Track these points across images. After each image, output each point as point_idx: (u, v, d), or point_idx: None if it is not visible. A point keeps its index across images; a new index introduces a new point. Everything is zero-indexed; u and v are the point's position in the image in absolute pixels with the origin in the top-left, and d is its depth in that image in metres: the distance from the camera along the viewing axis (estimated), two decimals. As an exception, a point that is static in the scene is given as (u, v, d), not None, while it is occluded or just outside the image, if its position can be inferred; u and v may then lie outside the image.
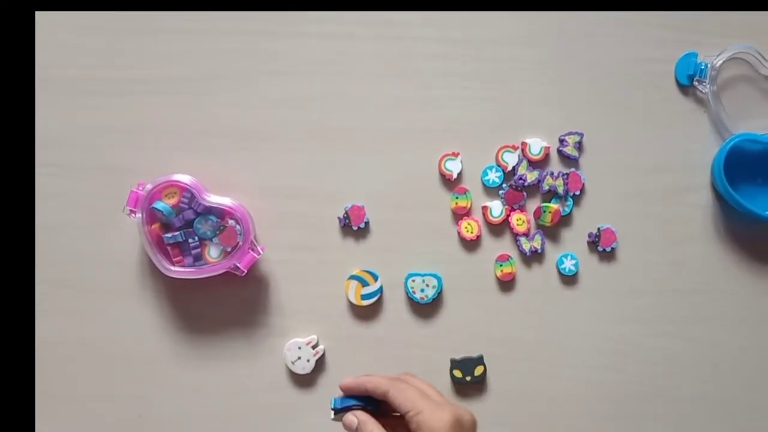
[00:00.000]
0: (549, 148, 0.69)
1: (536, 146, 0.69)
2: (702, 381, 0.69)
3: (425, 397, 0.57)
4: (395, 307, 0.69)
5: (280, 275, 0.68)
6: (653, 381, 0.69)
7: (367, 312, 0.69)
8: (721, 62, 0.69)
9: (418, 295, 0.68)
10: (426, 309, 0.69)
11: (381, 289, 0.68)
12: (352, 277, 0.68)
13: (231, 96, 0.69)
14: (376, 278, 0.68)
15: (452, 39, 0.70)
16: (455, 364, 0.68)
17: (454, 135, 0.69)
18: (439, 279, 0.68)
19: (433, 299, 0.68)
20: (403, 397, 0.56)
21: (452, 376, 0.68)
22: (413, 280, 0.68)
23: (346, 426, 0.58)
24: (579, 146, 0.69)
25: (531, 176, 0.69)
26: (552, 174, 0.69)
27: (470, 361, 0.68)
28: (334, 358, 0.68)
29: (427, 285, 0.68)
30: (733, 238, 0.69)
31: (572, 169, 0.69)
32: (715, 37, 0.70)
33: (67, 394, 0.68)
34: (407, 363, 0.68)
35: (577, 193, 0.69)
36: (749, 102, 0.70)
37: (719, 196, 0.69)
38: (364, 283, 0.68)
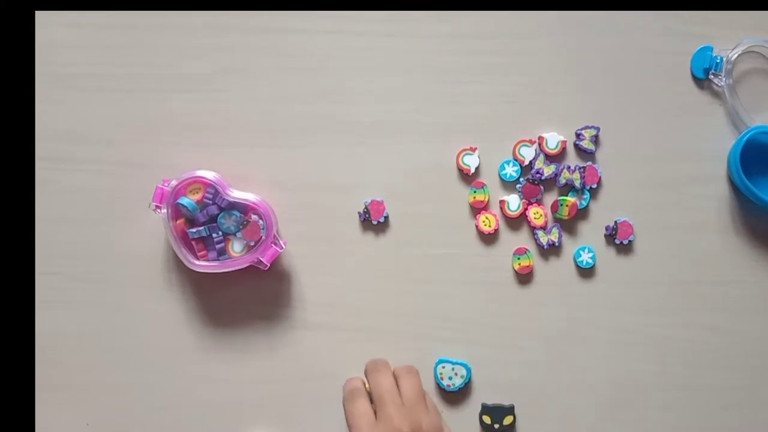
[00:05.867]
0: (566, 142, 0.70)
1: (553, 140, 0.69)
2: (720, 371, 0.69)
3: (385, 401, 0.61)
4: (415, 300, 0.70)
5: (302, 269, 0.69)
6: (671, 371, 0.69)
7: (387, 304, 0.70)
8: (736, 56, 0.69)
9: (445, 383, 0.69)
10: (444, 303, 0.70)
11: None
12: None
13: (250, 92, 0.70)
14: None
15: (468, 34, 0.70)
16: (486, 409, 0.69)
17: (472, 130, 0.70)
18: (468, 369, 0.69)
19: (460, 388, 0.69)
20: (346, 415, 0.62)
21: (481, 421, 0.69)
22: (443, 367, 0.69)
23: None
24: (595, 140, 0.70)
25: (548, 170, 0.69)
26: (569, 168, 0.70)
27: (500, 410, 0.69)
28: (356, 349, 0.69)
29: (456, 374, 0.68)
30: (750, 229, 0.70)
31: (589, 163, 0.70)
32: (730, 30, 0.70)
33: (93, 384, 0.69)
34: (425, 353, 0.69)
35: (594, 186, 0.69)
36: (765, 95, 0.71)
37: (735, 188, 0.70)
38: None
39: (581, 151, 0.70)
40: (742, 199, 0.70)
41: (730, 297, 0.70)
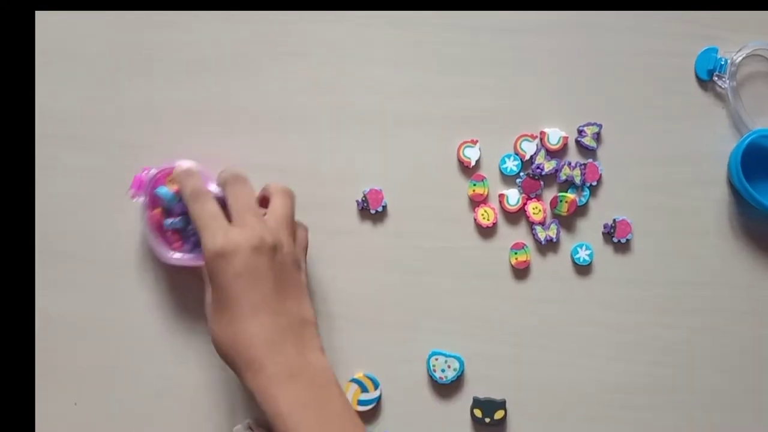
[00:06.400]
0: (567, 138, 0.70)
1: (555, 136, 0.69)
2: (715, 372, 0.69)
3: (244, 212, 0.57)
4: (410, 291, 0.70)
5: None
6: (666, 371, 0.69)
7: (382, 295, 0.70)
8: (740, 58, 0.69)
9: (438, 375, 0.68)
10: (440, 295, 0.70)
11: (379, 397, 0.68)
12: (353, 380, 0.68)
13: (252, 80, 0.70)
14: (376, 386, 0.68)
15: (473, 27, 0.70)
16: (477, 403, 0.68)
17: (474, 122, 0.70)
18: (461, 362, 0.68)
19: (452, 381, 0.68)
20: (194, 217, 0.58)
21: (472, 414, 0.68)
22: (436, 359, 0.68)
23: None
24: (597, 137, 0.70)
25: (548, 165, 0.69)
26: (569, 164, 0.69)
27: (492, 404, 0.68)
28: (349, 339, 0.69)
29: (449, 366, 0.68)
30: (748, 232, 0.70)
31: (590, 160, 0.70)
32: (736, 33, 0.70)
33: (94, 365, 0.68)
34: (418, 344, 0.69)
35: (594, 183, 0.69)
36: (768, 98, 0.71)
37: (735, 191, 0.70)
38: (364, 389, 0.68)
39: (582, 148, 0.70)
40: (741, 202, 0.70)
41: (726, 299, 0.70)
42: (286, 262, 0.58)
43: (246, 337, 0.55)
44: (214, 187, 0.63)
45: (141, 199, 0.64)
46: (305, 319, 0.58)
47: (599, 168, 0.69)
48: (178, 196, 0.64)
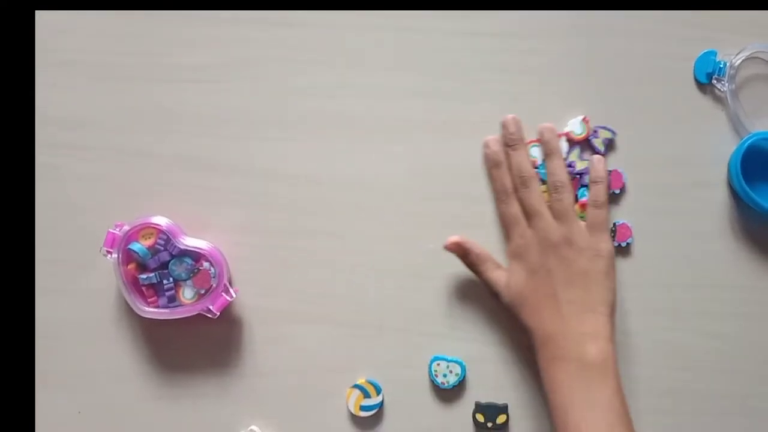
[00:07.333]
0: (588, 119, 0.69)
1: (577, 125, 0.69)
2: (715, 375, 0.70)
3: (537, 214, 0.66)
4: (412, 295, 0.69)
5: (299, 257, 0.69)
6: (666, 375, 0.70)
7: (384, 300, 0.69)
8: (739, 61, 0.70)
9: (440, 380, 0.68)
10: (441, 300, 0.69)
11: (381, 403, 0.68)
12: (356, 386, 0.67)
13: (256, 84, 0.70)
14: (378, 392, 0.68)
15: (476, 32, 0.70)
16: (479, 408, 0.68)
17: (480, 128, 0.69)
18: (463, 367, 0.68)
19: (454, 386, 0.68)
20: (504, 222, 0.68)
21: (474, 419, 0.68)
22: (438, 364, 0.68)
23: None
24: (609, 143, 0.70)
25: (580, 165, 0.69)
26: (573, 167, 0.69)
27: (494, 408, 0.68)
28: (346, 346, 0.69)
29: (451, 371, 0.68)
30: (748, 235, 0.71)
31: (614, 168, 0.69)
32: (735, 35, 0.71)
33: (93, 371, 0.68)
34: (420, 349, 0.68)
35: (617, 192, 0.69)
36: (767, 101, 0.72)
37: (735, 194, 0.71)
38: (366, 395, 0.67)
39: (590, 147, 0.70)
40: (741, 205, 0.71)
41: (727, 302, 0.71)
42: (575, 253, 0.65)
43: (534, 324, 0.64)
44: (188, 240, 0.65)
45: (114, 257, 0.64)
46: (591, 308, 0.63)
47: (623, 176, 0.69)
48: (152, 252, 0.65)
